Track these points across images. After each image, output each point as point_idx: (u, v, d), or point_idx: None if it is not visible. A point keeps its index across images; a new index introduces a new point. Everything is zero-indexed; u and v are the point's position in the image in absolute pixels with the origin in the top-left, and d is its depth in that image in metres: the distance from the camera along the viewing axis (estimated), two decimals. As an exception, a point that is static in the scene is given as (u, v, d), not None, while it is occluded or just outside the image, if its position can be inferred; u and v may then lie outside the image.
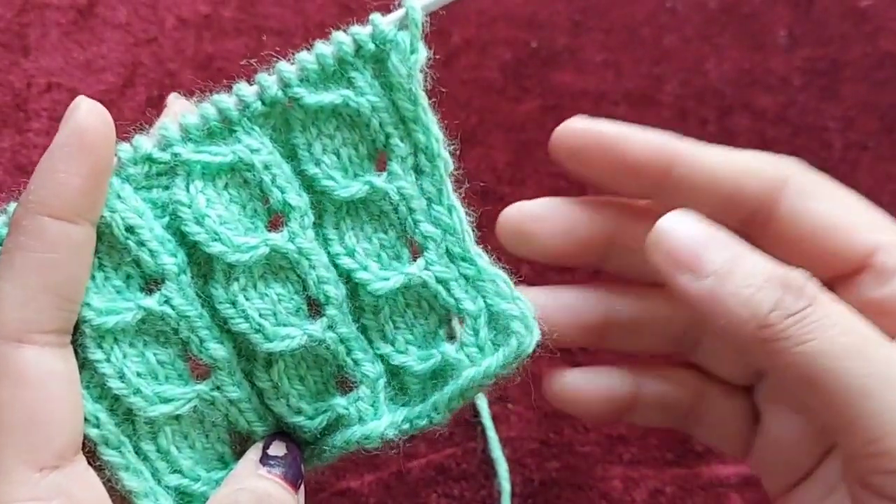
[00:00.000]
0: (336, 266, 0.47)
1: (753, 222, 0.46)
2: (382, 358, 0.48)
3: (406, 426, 0.47)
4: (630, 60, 0.75)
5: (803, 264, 0.44)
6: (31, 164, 0.69)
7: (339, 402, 0.47)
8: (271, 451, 0.46)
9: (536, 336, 0.46)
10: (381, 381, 0.47)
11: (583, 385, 0.52)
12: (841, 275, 0.45)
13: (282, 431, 0.48)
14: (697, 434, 0.54)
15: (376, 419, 0.47)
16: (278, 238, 0.45)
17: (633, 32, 0.76)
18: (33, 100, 0.69)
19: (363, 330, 0.48)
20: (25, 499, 0.39)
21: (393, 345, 0.48)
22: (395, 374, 0.48)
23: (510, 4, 0.74)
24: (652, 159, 0.46)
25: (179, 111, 0.46)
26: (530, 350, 0.46)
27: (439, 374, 0.48)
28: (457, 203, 0.47)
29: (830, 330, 0.40)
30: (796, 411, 0.48)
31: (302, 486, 0.47)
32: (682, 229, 0.43)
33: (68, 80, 0.70)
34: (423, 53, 0.46)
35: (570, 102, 0.74)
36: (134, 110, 0.69)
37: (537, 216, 0.50)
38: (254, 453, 0.46)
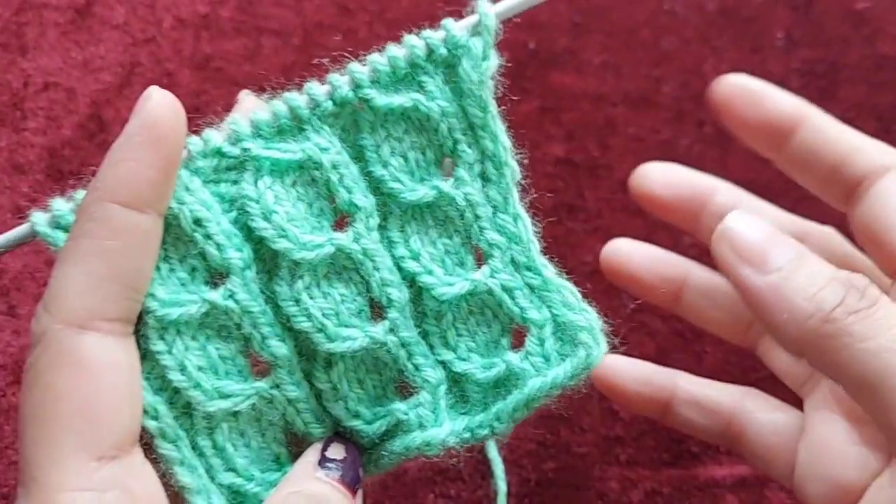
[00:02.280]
0: (400, 269, 0.46)
1: (849, 200, 0.49)
2: (444, 365, 0.48)
3: (467, 435, 0.47)
4: (629, 62, 0.76)
5: (880, 256, 0.46)
6: (27, 162, 0.69)
7: (399, 407, 0.47)
8: (329, 454, 0.45)
9: (604, 348, 0.46)
10: (442, 388, 0.47)
11: (623, 371, 0.55)
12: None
13: (340, 433, 0.47)
14: (738, 449, 0.54)
15: (437, 426, 0.46)
16: (344, 238, 0.45)
17: (633, 34, 0.76)
18: (30, 99, 0.69)
19: (424, 335, 0.48)
20: (80, 488, 0.39)
21: (455, 351, 0.48)
22: (456, 382, 0.48)
23: (509, 5, 0.74)
24: (785, 115, 0.50)
25: (250, 107, 0.46)
26: (598, 361, 0.46)
27: (501, 384, 0.48)
28: (522, 212, 0.47)
29: (893, 329, 0.41)
30: (852, 420, 0.48)
31: (360, 492, 0.46)
32: (748, 227, 0.44)
33: (66, 80, 0.70)
34: (494, 61, 0.46)
35: (569, 103, 0.74)
36: (131, 110, 0.69)
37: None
38: (312, 455, 0.45)
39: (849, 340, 0.41)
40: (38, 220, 0.42)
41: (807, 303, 0.42)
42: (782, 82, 0.76)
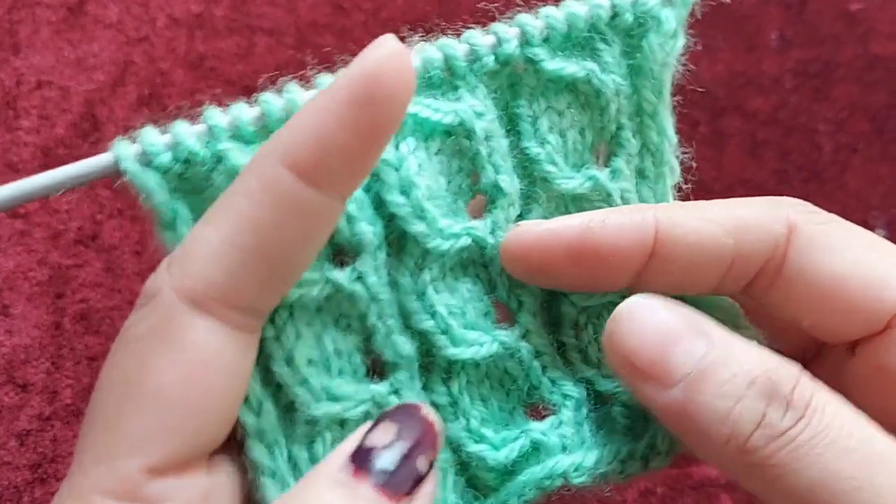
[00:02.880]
0: None
1: (757, 285, 0.37)
2: (585, 383, 0.39)
3: (616, 465, 0.38)
4: (622, 61, 0.76)
5: (816, 325, 0.37)
6: (21, 162, 0.68)
7: (535, 426, 0.38)
8: (373, 440, 0.33)
9: None
10: (586, 407, 0.39)
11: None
12: (860, 338, 0.37)
13: (406, 406, 0.36)
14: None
15: (584, 449, 0.38)
16: (480, 227, 0.37)
17: (626, 33, 0.76)
18: (23, 97, 0.69)
19: (560, 349, 0.40)
20: (123, 496, 0.31)
21: (598, 368, 0.39)
22: (598, 405, 0.40)
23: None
24: (628, 249, 0.36)
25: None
26: None
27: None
28: None
29: (829, 450, 0.32)
30: None
31: (424, 497, 0.33)
32: (642, 324, 0.34)
33: (59, 78, 0.70)
34: (681, 41, 0.40)
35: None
36: (125, 109, 0.69)
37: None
38: (350, 442, 0.33)
39: (774, 474, 0.32)
40: (124, 153, 0.33)
41: (720, 426, 0.32)
42: (776, 82, 0.76)
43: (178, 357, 0.31)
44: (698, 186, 0.74)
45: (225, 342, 0.32)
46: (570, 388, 0.39)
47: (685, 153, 0.41)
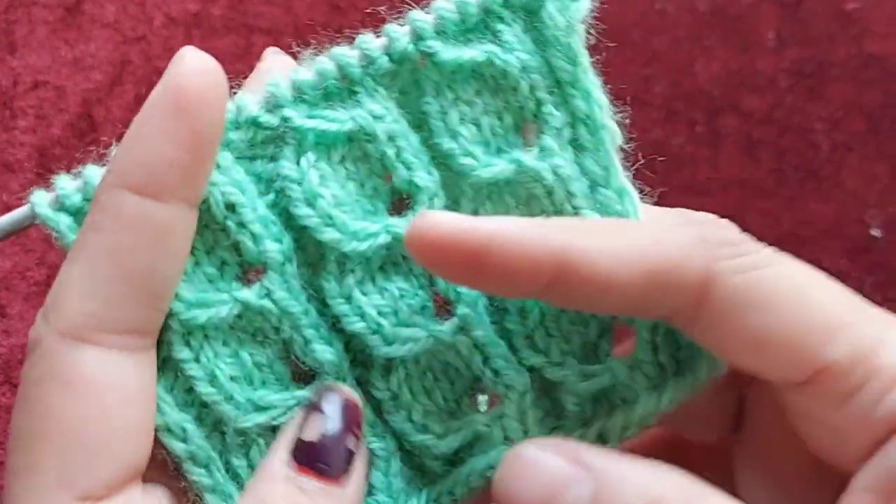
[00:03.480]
0: None
1: (674, 321, 0.36)
2: (532, 371, 0.39)
3: None
4: (619, 62, 0.76)
5: (736, 366, 0.37)
6: (17, 162, 0.68)
7: (479, 418, 0.38)
8: (306, 434, 0.35)
9: (721, 366, 0.38)
10: (529, 396, 0.38)
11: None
12: (787, 383, 0.36)
13: (335, 387, 0.38)
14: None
15: (526, 439, 0.38)
16: (402, 224, 0.38)
17: (623, 34, 0.76)
18: (19, 97, 0.69)
19: (506, 336, 0.39)
20: None
21: (547, 355, 0.39)
22: (545, 392, 0.40)
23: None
24: (530, 268, 0.34)
25: (277, 66, 0.38)
26: (720, 374, 0.39)
27: (603, 396, 0.39)
28: (629, 186, 0.39)
29: None
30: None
31: (357, 471, 0.35)
32: (528, 475, 0.34)
33: (55, 78, 0.70)
34: (587, 1, 0.39)
35: (559, 103, 0.74)
36: (122, 109, 0.69)
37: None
38: (284, 437, 0.36)
39: None
40: (40, 200, 0.36)
41: None
42: (771, 81, 0.76)
43: (74, 392, 0.33)
44: (695, 186, 0.75)
45: (117, 366, 0.33)
46: (513, 378, 0.38)
47: (620, 113, 0.40)
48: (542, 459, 0.34)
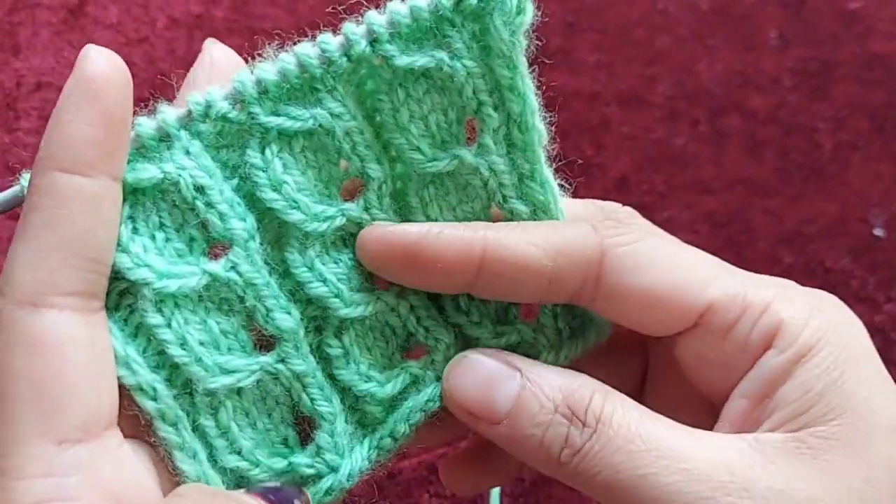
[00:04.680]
0: None
1: (581, 297, 0.44)
2: (455, 328, 0.46)
3: None
4: (623, 61, 0.76)
5: (638, 328, 0.44)
6: (21, 163, 0.68)
7: (412, 365, 0.45)
8: None
9: (605, 334, 0.47)
10: (453, 348, 0.46)
11: (474, 475, 0.53)
12: (679, 332, 0.44)
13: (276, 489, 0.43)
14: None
15: None
16: (354, 208, 0.43)
17: (626, 33, 0.76)
18: (23, 99, 0.69)
19: (435, 300, 0.46)
20: (38, 475, 0.36)
21: (468, 316, 0.46)
22: (464, 347, 0.46)
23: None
24: (458, 260, 0.42)
25: (216, 56, 0.42)
26: (606, 339, 0.47)
27: (511, 352, 0.46)
28: (550, 178, 0.44)
29: (617, 454, 0.39)
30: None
31: None
32: (469, 375, 0.43)
33: (59, 80, 0.70)
34: (529, 14, 0.42)
35: (563, 103, 0.74)
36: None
37: None
38: None
39: (583, 479, 0.40)
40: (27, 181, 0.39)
41: (538, 450, 0.41)
42: (775, 81, 0.76)
43: (36, 351, 0.37)
44: (699, 185, 0.75)
45: (71, 324, 0.37)
46: (442, 333, 0.45)
47: (547, 116, 0.44)
48: (481, 360, 0.43)
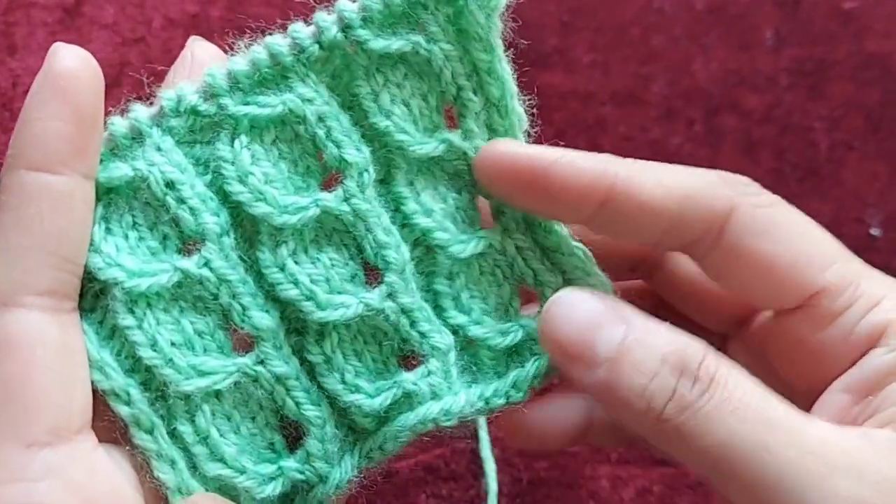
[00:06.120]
0: (410, 226, 0.42)
1: (695, 249, 0.42)
2: (454, 329, 0.43)
3: (481, 404, 0.42)
4: (618, 60, 0.76)
5: (744, 296, 0.43)
6: (17, 164, 0.69)
7: (407, 377, 0.42)
8: None
9: None
10: (452, 354, 0.43)
11: (541, 422, 0.49)
12: (783, 310, 0.43)
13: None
14: (657, 453, 0.51)
15: (452, 394, 0.42)
16: (331, 198, 0.41)
17: (621, 33, 0.76)
18: (19, 99, 0.69)
19: (434, 298, 0.43)
20: (8, 479, 0.35)
21: (469, 315, 0.43)
22: (464, 348, 0.44)
23: (498, 4, 0.75)
24: (586, 190, 0.41)
25: (198, 54, 0.42)
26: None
27: (515, 351, 0.44)
28: None
29: (731, 417, 0.36)
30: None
31: None
32: (569, 312, 0.39)
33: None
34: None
35: (558, 102, 0.74)
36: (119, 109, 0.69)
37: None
38: None
39: (684, 441, 0.37)
40: None
41: (639, 400, 0.37)
42: (771, 80, 0.77)
43: (6, 351, 0.36)
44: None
45: (41, 325, 0.36)
46: (439, 340, 0.42)
47: (526, 100, 0.43)
48: (586, 300, 0.39)
